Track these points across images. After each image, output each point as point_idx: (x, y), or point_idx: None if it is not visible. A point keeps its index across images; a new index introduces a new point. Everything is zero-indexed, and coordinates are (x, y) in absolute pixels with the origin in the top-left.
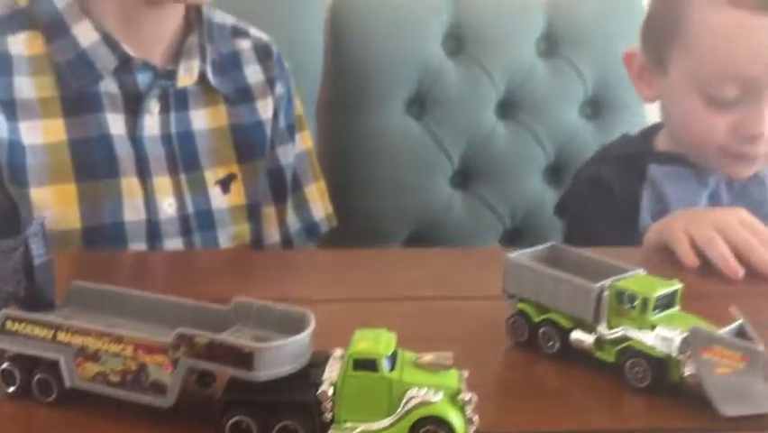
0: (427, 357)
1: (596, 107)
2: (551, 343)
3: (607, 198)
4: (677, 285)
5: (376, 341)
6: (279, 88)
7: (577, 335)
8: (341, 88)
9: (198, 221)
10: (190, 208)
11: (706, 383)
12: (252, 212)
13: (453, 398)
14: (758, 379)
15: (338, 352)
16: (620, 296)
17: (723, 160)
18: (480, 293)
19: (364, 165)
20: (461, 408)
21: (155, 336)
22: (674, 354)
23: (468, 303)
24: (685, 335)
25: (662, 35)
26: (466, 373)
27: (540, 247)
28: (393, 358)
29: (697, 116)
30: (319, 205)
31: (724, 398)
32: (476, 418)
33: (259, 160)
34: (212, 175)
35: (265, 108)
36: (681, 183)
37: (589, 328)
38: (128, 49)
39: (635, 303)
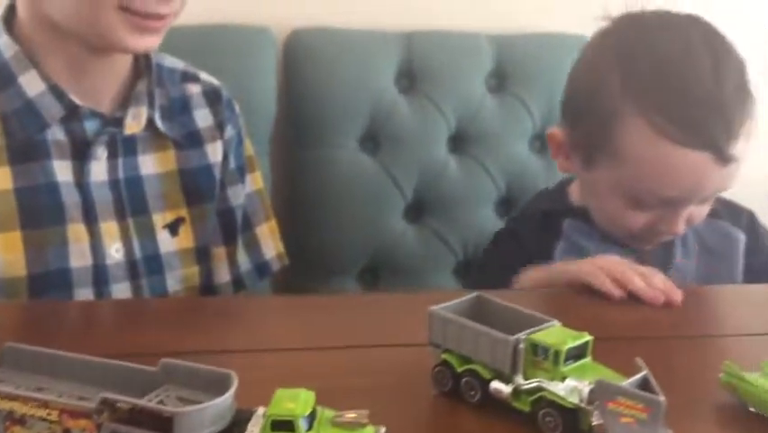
0: (348, 415)
1: (544, 141)
2: (473, 392)
3: (518, 254)
4: (587, 337)
5: (294, 401)
6: (229, 131)
7: (496, 385)
8: (295, 125)
9: (146, 265)
10: (138, 253)
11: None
12: (202, 255)
13: None
14: (659, 428)
15: (261, 410)
16: (535, 348)
17: (633, 242)
18: (416, 340)
19: (318, 200)
20: None
21: (84, 398)
22: (583, 404)
23: (402, 350)
24: (592, 386)
25: (587, 138)
26: (383, 430)
27: (466, 298)
28: (312, 417)
29: (616, 212)
30: (270, 244)
31: None
32: None
33: (208, 203)
34: (160, 219)
35: (214, 152)
36: (597, 239)
37: (507, 379)
38: (75, 97)
39: (548, 355)
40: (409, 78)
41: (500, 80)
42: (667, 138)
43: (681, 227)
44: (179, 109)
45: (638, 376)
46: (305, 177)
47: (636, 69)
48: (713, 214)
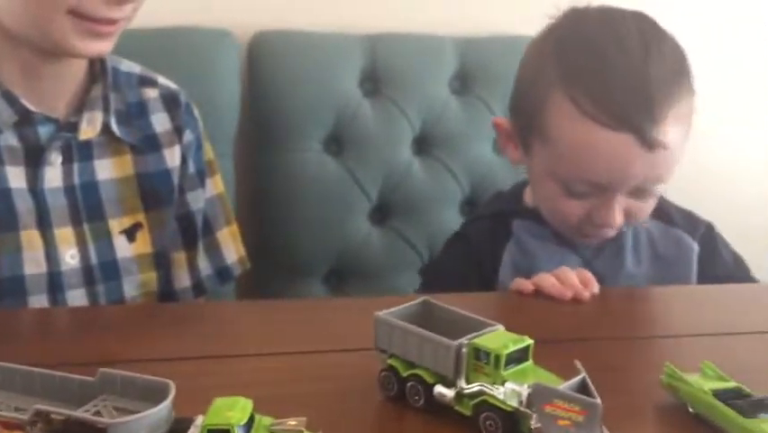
0: (286, 423)
1: None
2: (417, 397)
3: (467, 257)
4: (528, 341)
5: (231, 410)
6: (188, 135)
7: (439, 389)
8: (259, 127)
9: (102, 271)
10: (94, 259)
11: None
12: (160, 260)
13: None
14: (596, 430)
15: (200, 419)
16: (477, 352)
17: (577, 236)
18: (367, 345)
19: (283, 203)
20: None
21: (21, 409)
22: (522, 407)
23: (352, 355)
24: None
25: (525, 123)
26: None
27: (413, 303)
28: (249, 426)
29: (554, 201)
30: (231, 248)
31: None
32: None
33: (165, 208)
34: (117, 224)
35: (172, 156)
36: (546, 239)
37: (451, 384)
38: (28, 103)
39: (489, 359)
40: (373, 81)
41: (464, 83)
42: (591, 120)
43: (616, 218)
44: (136, 114)
45: (576, 379)
46: (269, 179)
47: (570, 56)
48: (668, 221)
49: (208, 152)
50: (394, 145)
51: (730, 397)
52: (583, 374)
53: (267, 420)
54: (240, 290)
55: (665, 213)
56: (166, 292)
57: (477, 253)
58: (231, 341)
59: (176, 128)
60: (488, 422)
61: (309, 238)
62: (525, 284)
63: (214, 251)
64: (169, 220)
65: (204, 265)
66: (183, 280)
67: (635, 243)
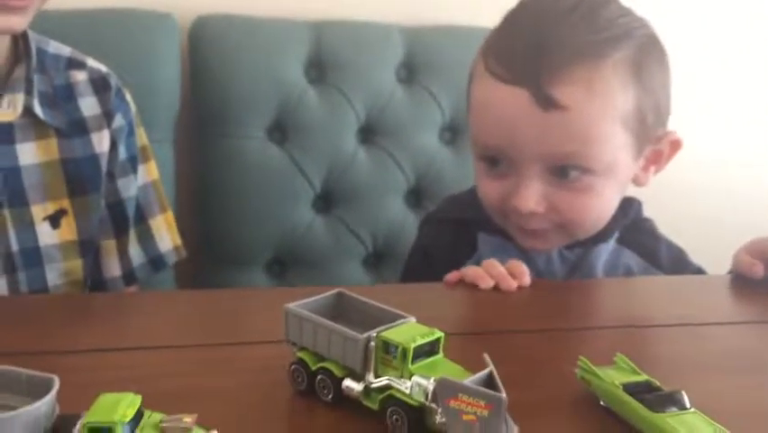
0: (186, 419)
1: (453, 133)
2: (326, 391)
3: (428, 272)
4: (438, 334)
5: (116, 406)
6: (119, 120)
7: (348, 383)
8: (201, 113)
9: (24, 258)
10: (15, 246)
11: (452, 430)
12: (85, 247)
13: None
14: (501, 425)
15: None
16: (386, 346)
17: (513, 231)
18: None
19: (225, 190)
20: None
21: None
22: (428, 402)
23: (268, 347)
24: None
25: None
26: None
27: (326, 294)
28: (135, 423)
29: (479, 181)
30: (166, 237)
31: None
32: None
33: (92, 194)
34: (40, 210)
35: (100, 141)
36: (511, 254)
37: (359, 377)
38: None
39: (397, 353)
40: (318, 68)
41: (411, 72)
42: (490, 74)
43: (527, 200)
44: (64, 97)
45: (483, 373)
46: (211, 166)
47: (499, 23)
48: (652, 260)
49: (142, 138)
50: (339, 134)
51: (639, 390)
52: (490, 368)
53: (157, 417)
54: (180, 280)
55: (651, 252)
56: (95, 281)
57: (439, 268)
58: (135, 333)
59: (105, 112)
60: (394, 417)
61: (252, 227)
62: (451, 275)
63: (147, 239)
64: (97, 207)
65: (136, 254)
66: (113, 269)
67: (609, 273)
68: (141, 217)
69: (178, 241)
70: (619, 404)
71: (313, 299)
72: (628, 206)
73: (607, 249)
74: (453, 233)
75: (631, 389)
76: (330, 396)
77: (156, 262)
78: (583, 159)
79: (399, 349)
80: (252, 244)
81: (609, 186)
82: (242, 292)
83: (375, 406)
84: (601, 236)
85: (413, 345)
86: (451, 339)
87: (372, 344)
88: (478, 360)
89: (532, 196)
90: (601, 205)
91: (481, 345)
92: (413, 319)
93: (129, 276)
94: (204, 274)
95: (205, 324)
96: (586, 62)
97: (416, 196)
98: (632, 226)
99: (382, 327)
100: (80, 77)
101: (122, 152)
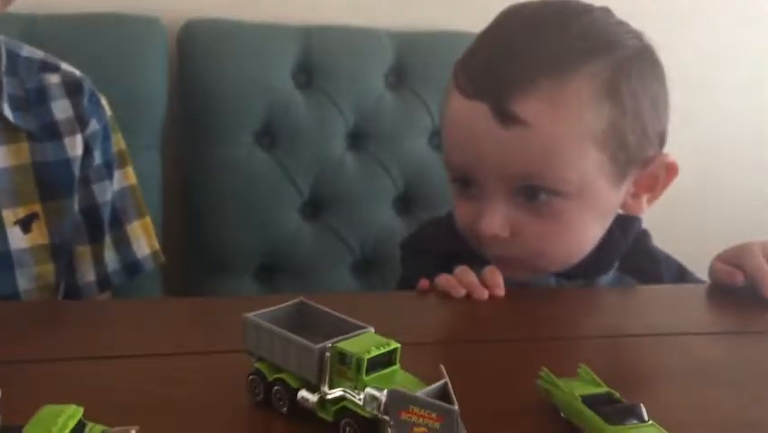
0: (132, 431)
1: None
2: (282, 402)
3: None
4: (394, 345)
5: (55, 418)
6: (93, 125)
7: (303, 394)
8: (188, 119)
9: None
10: None
11: None
12: (57, 252)
13: None
14: None
15: None
16: (342, 357)
17: (480, 248)
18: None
19: (213, 196)
20: None
21: None
22: (381, 414)
23: (222, 357)
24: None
25: None
26: None
27: (287, 304)
28: None
29: (454, 203)
30: (143, 242)
31: None
32: None
33: (64, 198)
34: (11, 215)
35: (73, 145)
36: None
37: (315, 388)
38: None
39: (351, 364)
40: (307, 74)
41: (399, 77)
42: (456, 88)
43: (490, 223)
44: (36, 100)
45: (437, 384)
46: (199, 172)
47: (474, 40)
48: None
49: (119, 143)
50: (327, 139)
51: (599, 402)
52: (445, 379)
53: (98, 429)
54: (166, 287)
55: (653, 278)
56: (69, 286)
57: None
58: (89, 342)
59: (78, 116)
60: (348, 429)
61: (239, 233)
62: (422, 283)
63: (122, 245)
64: (69, 211)
65: (111, 259)
66: (87, 274)
67: None
68: (118, 222)
69: (156, 246)
70: (578, 416)
71: (274, 308)
72: (629, 226)
73: (607, 279)
74: (436, 265)
75: (590, 401)
76: (285, 408)
77: (132, 267)
78: (548, 180)
79: (354, 360)
80: (240, 251)
81: (585, 214)
82: (213, 301)
83: (330, 417)
84: (603, 267)
85: (367, 357)
86: (413, 349)
87: (328, 354)
88: (438, 371)
89: (496, 219)
90: (575, 236)
91: (444, 355)
92: (371, 330)
93: (103, 282)
94: (191, 281)
95: (175, 332)
96: (552, 75)
97: (404, 202)
98: (631, 248)
99: (338, 338)
100: (53, 80)
101: (96, 157)
